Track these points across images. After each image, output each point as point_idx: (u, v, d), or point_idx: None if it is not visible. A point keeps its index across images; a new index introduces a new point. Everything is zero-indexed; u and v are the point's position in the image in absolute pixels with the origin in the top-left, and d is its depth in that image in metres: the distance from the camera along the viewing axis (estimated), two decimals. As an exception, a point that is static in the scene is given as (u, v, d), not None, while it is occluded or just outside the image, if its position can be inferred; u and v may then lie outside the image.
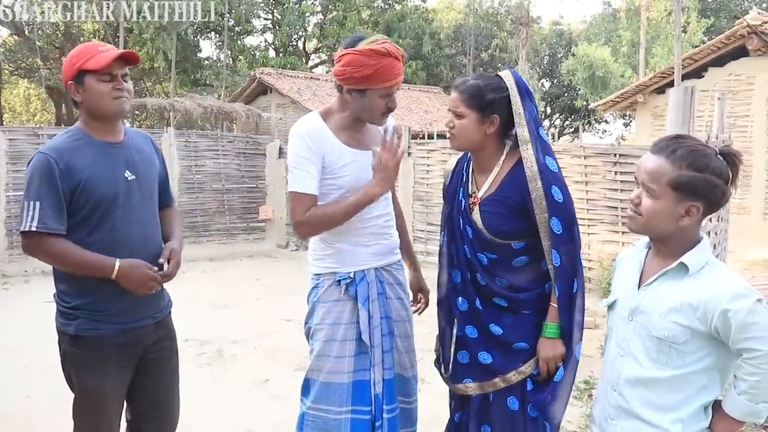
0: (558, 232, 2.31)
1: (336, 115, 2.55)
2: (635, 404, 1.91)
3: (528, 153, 2.35)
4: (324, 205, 2.48)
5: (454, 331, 2.58)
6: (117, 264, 2.27)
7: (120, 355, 2.40)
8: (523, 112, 2.36)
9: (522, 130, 2.36)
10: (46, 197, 2.24)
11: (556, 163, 2.40)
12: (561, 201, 2.32)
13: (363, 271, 2.59)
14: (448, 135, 2.52)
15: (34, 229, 2.22)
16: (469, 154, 2.57)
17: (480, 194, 2.46)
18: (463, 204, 2.50)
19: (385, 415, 2.56)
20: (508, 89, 2.37)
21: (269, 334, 6.05)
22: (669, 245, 1.88)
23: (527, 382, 2.42)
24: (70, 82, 2.33)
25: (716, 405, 1.85)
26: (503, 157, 2.45)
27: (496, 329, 2.44)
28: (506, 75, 2.41)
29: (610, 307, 2.08)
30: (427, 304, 2.94)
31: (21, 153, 9.41)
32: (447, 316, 2.63)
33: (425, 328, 6.25)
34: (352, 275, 2.57)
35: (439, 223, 9.40)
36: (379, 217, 2.61)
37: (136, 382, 2.51)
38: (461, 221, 2.50)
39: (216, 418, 4.13)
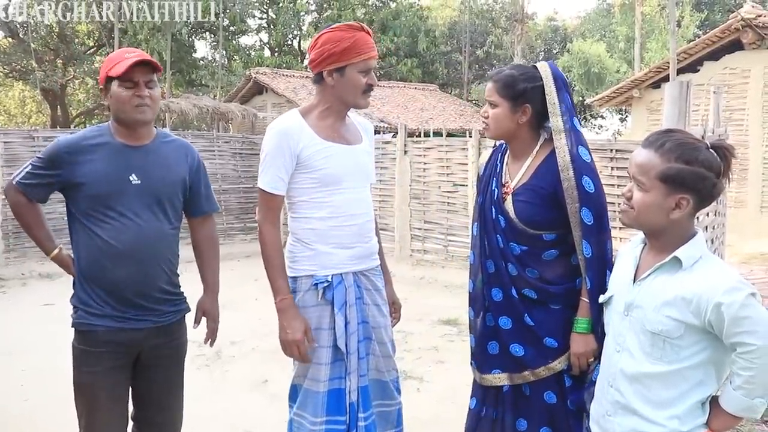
0: (589, 223, 2.31)
1: (315, 111, 2.54)
2: (632, 399, 1.91)
3: (561, 143, 2.36)
4: (276, 242, 2.52)
5: (486, 322, 2.55)
6: (54, 252, 2.54)
7: (114, 354, 2.41)
8: (557, 102, 2.38)
9: (556, 120, 2.38)
10: (38, 170, 2.45)
11: (590, 153, 2.40)
12: (593, 191, 2.32)
13: (341, 274, 2.52)
14: (482, 125, 2.54)
15: (14, 182, 2.49)
16: (504, 145, 2.59)
17: (513, 184, 2.46)
18: (495, 194, 2.50)
19: (360, 423, 2.50)
20: (541, 79, 2.40)
21: (268, 334, 6.02)
22: (662, 239, 1.88)
23: (565, 378, 2.41)
24: (101, 87, 2.48)
25: (713, 401, 1.84)
26: (537, 147, 2.46)
27: (529, 321, 2.43)
28: (542, 66, 2.44)
29: (607, 303, 2.08)
30: (398, 318, 2.87)
31: (16, 156, 9.37)
32: (477, 308, 2.61)
33: (422, 326, 6.27)
34: (329, 279, 2.50)
35: (438, 222, 9.40)
36: (361, 216, 2.58)
37: (137, 385, 2.53)
38: (493, 211, 2.49)
39: (215, 419, 4.12)
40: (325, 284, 2.50)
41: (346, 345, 2.50)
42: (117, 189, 2.38)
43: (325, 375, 2.50)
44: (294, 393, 2.61)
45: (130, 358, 2.47)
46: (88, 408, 2.43)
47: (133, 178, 2.41)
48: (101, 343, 2.39)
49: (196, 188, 2.65)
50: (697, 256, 1.83)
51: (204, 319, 2.76)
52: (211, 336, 2.78)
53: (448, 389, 4.45)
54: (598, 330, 2.32)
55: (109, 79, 2.39)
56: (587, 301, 2.33)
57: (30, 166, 2.46)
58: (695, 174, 1.78)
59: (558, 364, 2.40)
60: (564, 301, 2.41)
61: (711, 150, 1.81)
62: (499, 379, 2.50)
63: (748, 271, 8.42)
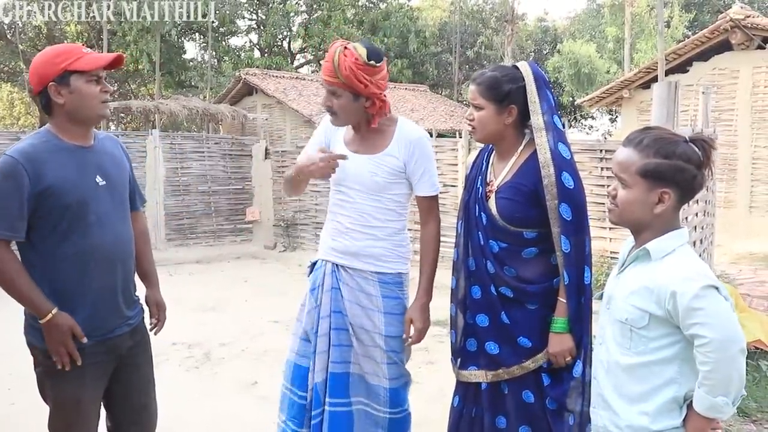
0: (568, 218, 2.32)
1: None
2: (607, 392, 1.93)
3: (542, 140, 2.38)
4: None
5: (466, 319, 2.58)
6: (53, 312, 2.20)
7: (98, 364, 2.35)
8: (538, 100, 2.40)
9: (536, 118, 2.40)
10: (3, 200, 2.17)
11: (570, 150, 2.42)
12: (572, 187, 2.34)
13: (323, 260, 2.76)
14: (469, 128, 2.55)
15: None
16: (490, 145, 2.60)
17: (497, 182, 2.48)
18: (480, 191, 2.52)
19: (326, 408, 2.60)
20: (523, 79, 2.41)
21: (257, 336, 6.02)
22: (647, 235, 1.89)
23: (543, 377, 2.42)
24: (51, 83, 2.21)
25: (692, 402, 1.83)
26: (521, 147, 2.48)
27: (505, 319, 2.44)
28: (523, 65, 2.46)
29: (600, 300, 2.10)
30: (416, 339, 2.71)
31: (4, 158, 9.29)
32: (458, 305, 2.63)
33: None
34: (315, 261, 2.82)
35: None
36: (344, 217, 2.70)
37: (112, 390, 2.46)
38: (477, 208, 2.52)
39: (204, 421, 4.10)
40: (310, 265, 2.84)
41: (315, 326, 2.66)
42: (89, 192, 2.28)
43: (294, 346, 2.76)
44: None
45: (112, 366, 2.42)
46: (74, 423, 2.35)
47: (99, 180, 2.34)
48: (87, 356, 2.30)
49: (133, 183, 2.62)
50: (668, 249, 1.84)
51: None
52: (161, 327, 2.73)
53: (437, 390, 4.44)
54: (574, 328, 2.36)
55: (66, 75, 2.21)
56: (564, 300, 2.35)
57: None
58: (674, 167, 1.80)
59: (531, 364, 2.42)
60: (541, 300, 2.43)
61: (690, 143, 1.83)
62: (475, 375, 2.53)
63: (737, 271, 8.45)
